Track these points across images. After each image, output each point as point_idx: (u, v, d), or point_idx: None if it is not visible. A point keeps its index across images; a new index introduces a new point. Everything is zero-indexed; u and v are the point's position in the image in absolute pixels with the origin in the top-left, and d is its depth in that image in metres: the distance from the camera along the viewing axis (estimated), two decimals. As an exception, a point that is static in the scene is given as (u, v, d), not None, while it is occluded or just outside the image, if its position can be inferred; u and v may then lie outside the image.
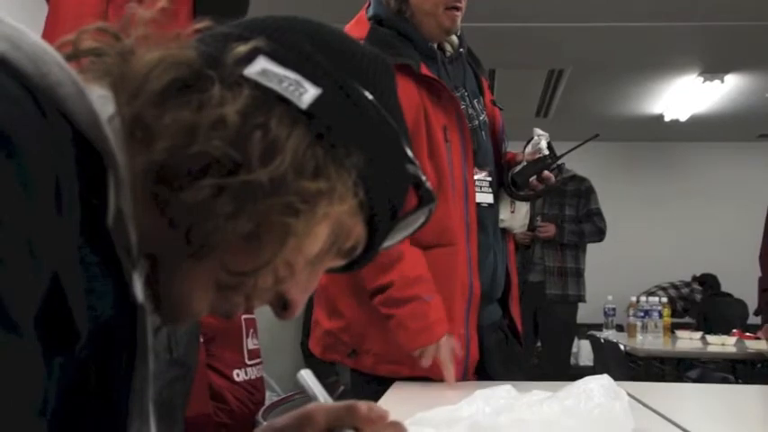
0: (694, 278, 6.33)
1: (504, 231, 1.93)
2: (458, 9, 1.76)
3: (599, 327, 5.01)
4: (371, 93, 0.64)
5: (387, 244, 0.70)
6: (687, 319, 5.88)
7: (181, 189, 0.56)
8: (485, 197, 1.83)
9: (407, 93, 1.68)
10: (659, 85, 5.64)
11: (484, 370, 1.82)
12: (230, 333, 2.34)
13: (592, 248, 6.81)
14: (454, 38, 1.88)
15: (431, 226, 1.74)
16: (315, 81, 0.60)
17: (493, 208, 1.85)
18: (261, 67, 0.59)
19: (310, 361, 1.94)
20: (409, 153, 0.67)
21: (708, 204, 7.03)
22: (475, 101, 1.89)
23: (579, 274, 4.49)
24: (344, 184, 0.61)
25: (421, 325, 1.63)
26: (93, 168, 0.53)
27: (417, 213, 0.72)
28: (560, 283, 4.40)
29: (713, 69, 5.23)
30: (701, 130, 6.72)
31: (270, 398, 2.66)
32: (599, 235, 4.57)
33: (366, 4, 1.86)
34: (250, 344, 2.37)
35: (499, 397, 0.96)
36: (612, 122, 6.61)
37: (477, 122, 1.86)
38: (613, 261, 6.85)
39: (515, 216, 1.94)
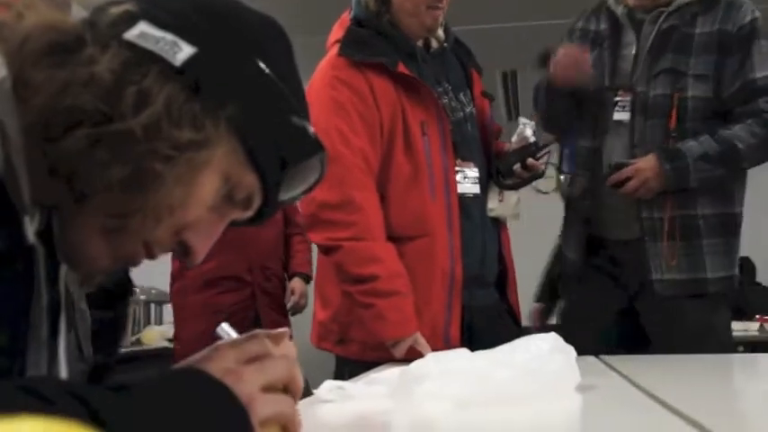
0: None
1: (497, 220, 1.98)
2: (439, 8, 1.83)
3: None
4: (257, 54, 0.70)
5: (286, 196, 0.75)
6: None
7: (60, 140, 0.62)
8: (469, 188, 1.89)
9: (384, 90, 1.78)
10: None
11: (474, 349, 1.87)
12: None
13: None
14: (440, 32, 1.94)
15: (407, 218, 1.81)
16: (191, 41, 0.66)
17: (478, 197, 1.91)
18: (140, 30, 0.65)
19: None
20: (295, 106, 0.72)
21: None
22: (460, 94, 1.95)
23: None
24: (218, 133, 0.66)
25: (399, 317, 1.72)
26: None
27: (308, 162, 0.75)
28: None
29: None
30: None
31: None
32: None
33: (349, 7, 1.94)
34: None
35: (450, 359, 1.01)
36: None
37: (461, 115, 1.92)
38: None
39: (504, 205, 1.98)
